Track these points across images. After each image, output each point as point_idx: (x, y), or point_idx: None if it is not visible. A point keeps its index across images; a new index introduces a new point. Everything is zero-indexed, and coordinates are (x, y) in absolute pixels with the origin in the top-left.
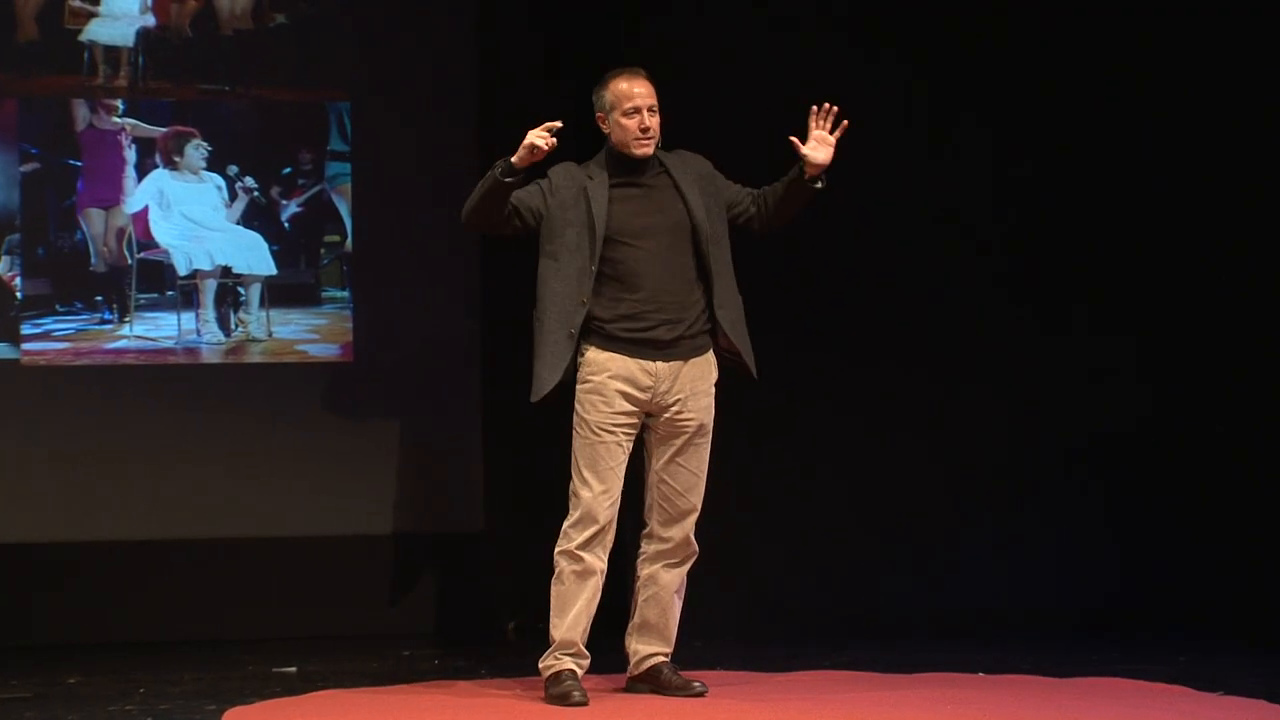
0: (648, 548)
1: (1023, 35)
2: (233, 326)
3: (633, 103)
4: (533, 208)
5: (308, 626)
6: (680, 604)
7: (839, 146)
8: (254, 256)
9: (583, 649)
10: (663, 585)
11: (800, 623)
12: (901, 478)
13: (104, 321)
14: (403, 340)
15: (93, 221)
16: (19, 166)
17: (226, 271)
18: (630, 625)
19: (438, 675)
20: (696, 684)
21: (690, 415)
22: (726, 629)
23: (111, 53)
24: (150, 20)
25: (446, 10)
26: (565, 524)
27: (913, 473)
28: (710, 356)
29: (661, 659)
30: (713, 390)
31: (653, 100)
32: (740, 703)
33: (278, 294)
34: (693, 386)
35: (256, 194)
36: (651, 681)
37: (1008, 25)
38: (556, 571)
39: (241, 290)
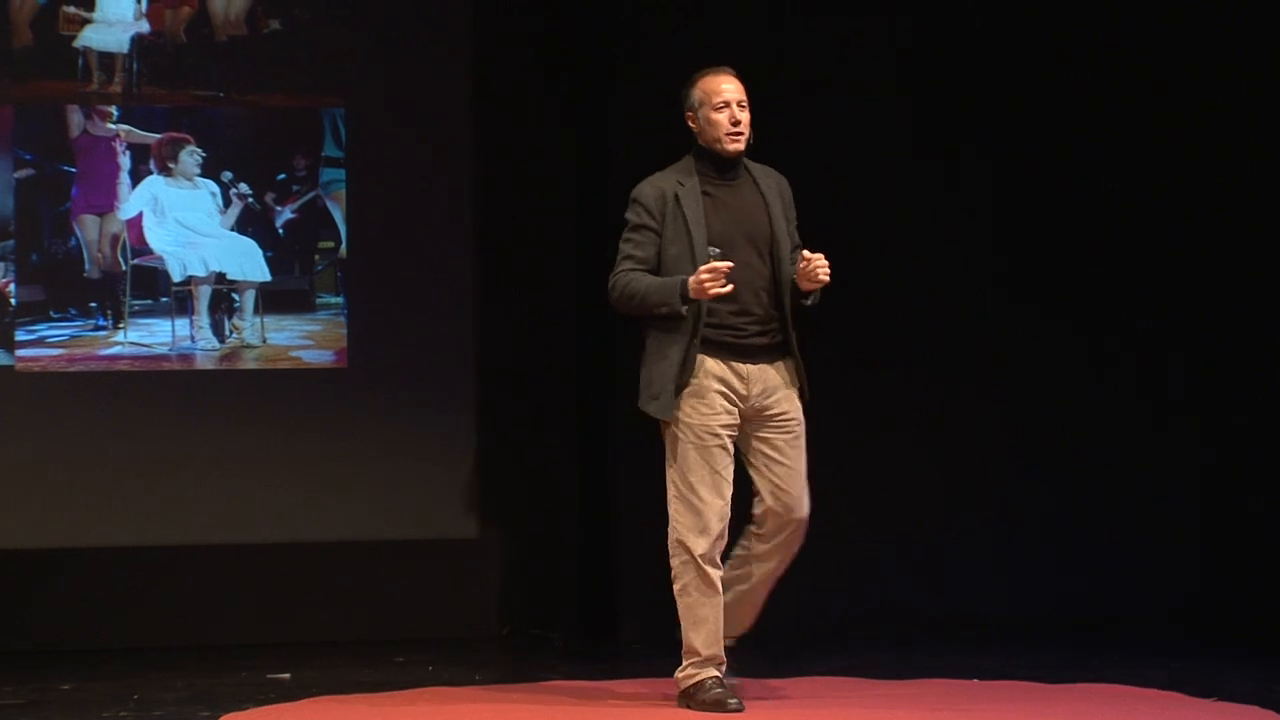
0: (757, 546)
1: (1014, 36)
2: (227, 333)
3: (722, 97)
4: (652, 259)
5: (302, 632)
6: (765, 596)
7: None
8: (248, 263)
9: (723, 657)
10: (761, 577)
11: (793, 627)
12: (897, 481)
13: (98, 328)
14: (397, 346)
15: (87, 228)
16: (13, 173)
17: (221, 278)
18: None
19: (432, 682)
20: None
21: (786, 411)
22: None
23: (106, 59)
24: (144, 26)
25: (441, 16)
26: (680, 530)
27: (908, 476)
28: (796, 356)
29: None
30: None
31: (742, 96)
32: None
33: (272, 300)
34: (785, 385)
35: (251, 200)
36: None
37: (998, 28)
38: (681, 582)
39: (236, 296)
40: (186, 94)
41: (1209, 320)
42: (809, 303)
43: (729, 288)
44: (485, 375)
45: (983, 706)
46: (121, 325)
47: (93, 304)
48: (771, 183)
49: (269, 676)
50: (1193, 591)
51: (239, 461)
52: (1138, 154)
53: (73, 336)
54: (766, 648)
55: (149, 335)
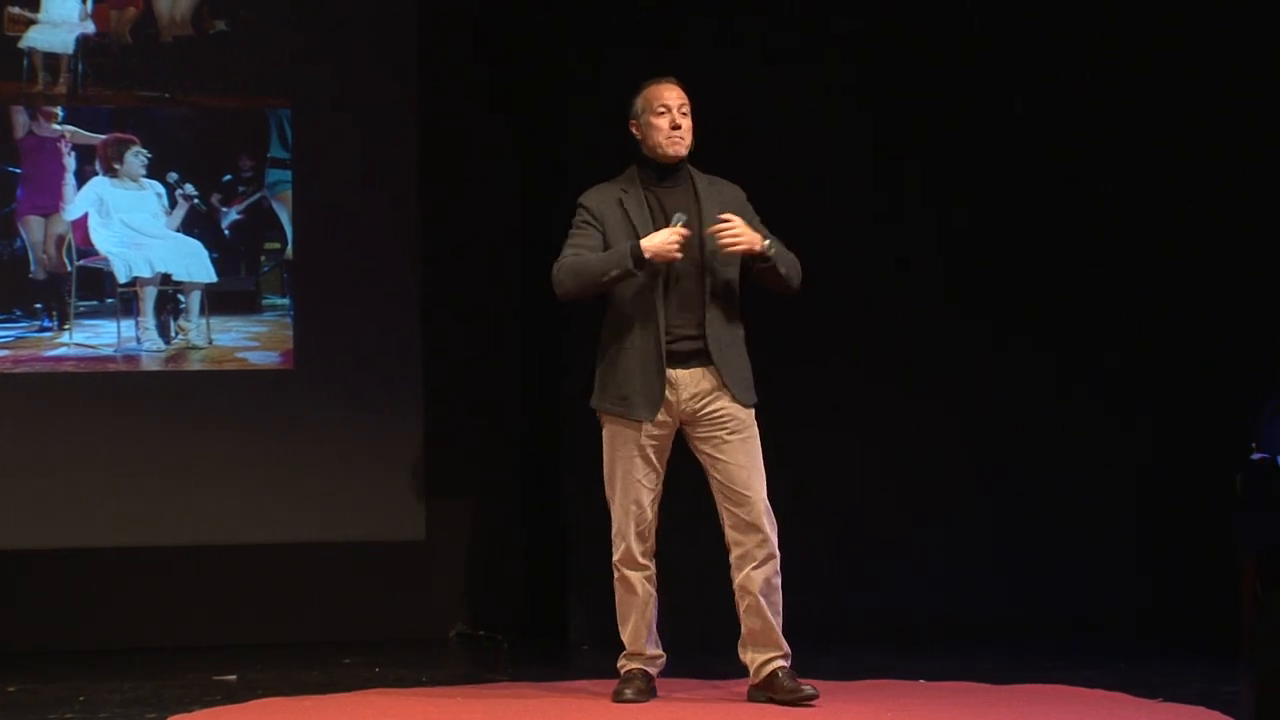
0: (730, 557)
1: (976, 47)
2: (173, 334)
3: (663, 101)
4: (598, 248)
5: (249, 634)
6: (775, 604)
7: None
8: (194, 264)
9: (650, 651)
10: (752, 590)
11: (739, 630)
12: (848, 485)
13: (43, 329)
14: (343, 347)
15: (32, 229)
16: None
17: (166, 279)
18: (740, 638)
19: (379, 683)
20: (806, 688)
21: (724, 412)
22: (677, 637)
23: (51, 59)
24: (90, 27)
25: (387, 17)
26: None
27: (859, 480)
28: (732, 360)
29: (778, 664)
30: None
31: (684, 103)
32: (680, 710)
33: (218, 301)
34: (719, 387)
35: (197, 201)
36: (768, 688)
37: (957, 34)
38: (614, 579)
39: (181, 298)
40: (132, 95)
41: (1157, 333)
42: (769, 263)
43: (680, 255)
44: (432, 377)
45: (930, 707)
46: (67, 326)
47: (38, 305)
48: (714, 192)
49: (215, 678)
50: (1143, 594)
51: (184, 463)
52: (1093, 168)
53: (18, 338)
54: (714, 652)
55: (94, 336)
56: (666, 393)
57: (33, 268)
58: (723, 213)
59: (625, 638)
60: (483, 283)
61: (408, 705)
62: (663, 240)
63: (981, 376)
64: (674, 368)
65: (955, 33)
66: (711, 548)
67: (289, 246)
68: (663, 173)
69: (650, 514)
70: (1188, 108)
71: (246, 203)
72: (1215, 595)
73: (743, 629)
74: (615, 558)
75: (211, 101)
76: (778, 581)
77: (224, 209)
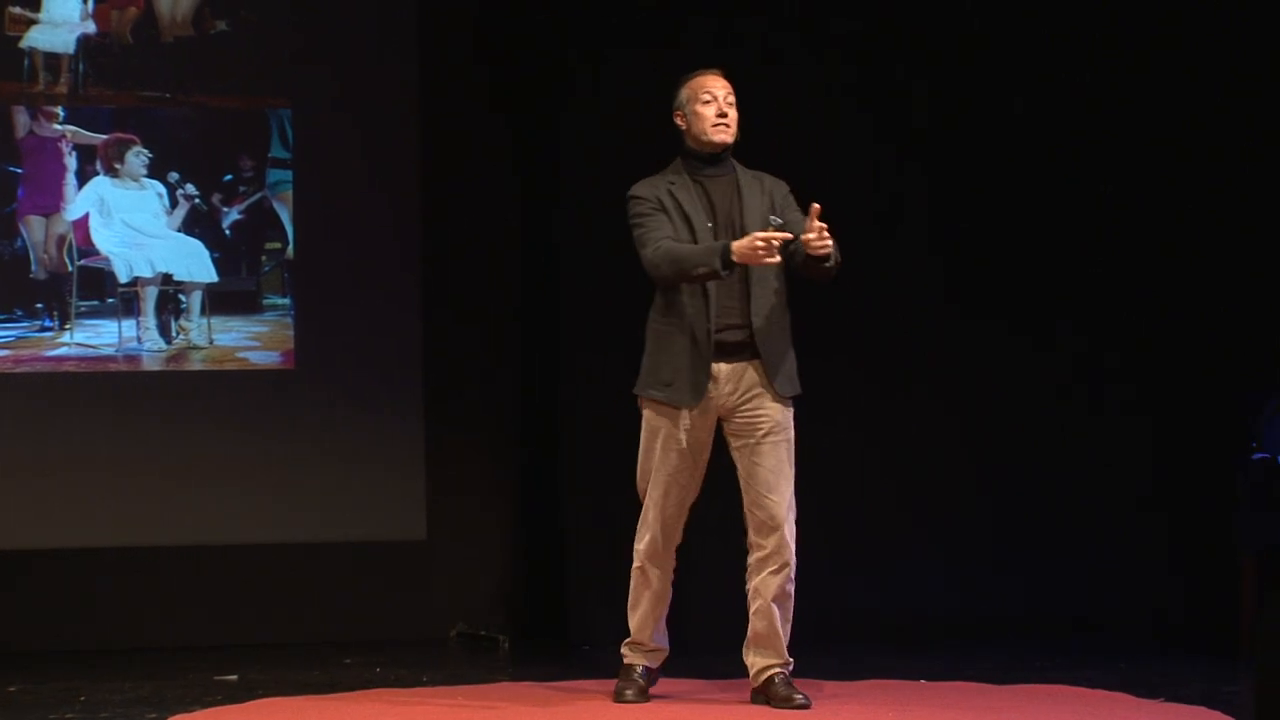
0: (750, 559)
1: (976, 47)
2: (174, 334)
3: (709, 90)
4: (675, 232)
5: (250, 634)
6: (786, 611)
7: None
8: (195, 264)
9: (653, 645)
10: (764, 595)
11: (740, 629)
12: (848, 485)
13: (44, 329)
14: (344, 348)
15: (33, 229)
16: None
17: (167, 279)
18: (746, 639)
19: (380, 683)
20: (798, 696)
21: (761, 412)
22: (683, 635)
23: (52, 59)
24: (91, 27)
25: (387, 17)
26: (640, 521)
27: (859, 480)
28: (778, 355)
29: (775, 670)
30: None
31: (730, 94)
32: (681, 711)
33: (219, 301)
34: (760, 384)
35: (198, 201)
36: (765, 693)
37: (957, 34)
38: (633, 566)
39: (182, 297)
40: (133, 95)
41: (1167, 328)
42: (829, 265)
43: (777, 259)
44: (433, 377)
45: (930, 707)
46: (68, 326)
47: (39, 305)
48: (756, 184)
49: (216, 678)
50: (1143, 594)
51: (185, 463)
52: (1091, 170)
53: (19, 338)
54: (713, 652)
55: (95, 336)
56: (709, 386)
57: (34, 268)
58: (762, 203)
59: (632, 625)
60: (483, 283)
61: (408, 705)
62: (747, 244)
63: (981, 376)
64: (718, 360)
65: (955, 33)
66: (721, 548)
67: (290, 246)
68: (707, 162)
69: (680, 510)
70: (1188, 108)
71: (247, 203)
72: (1215, 595)
73: (749, 630)
74: (638, 546)
75: (212, 101)
76: (791, 589)
77: (225, 209)
